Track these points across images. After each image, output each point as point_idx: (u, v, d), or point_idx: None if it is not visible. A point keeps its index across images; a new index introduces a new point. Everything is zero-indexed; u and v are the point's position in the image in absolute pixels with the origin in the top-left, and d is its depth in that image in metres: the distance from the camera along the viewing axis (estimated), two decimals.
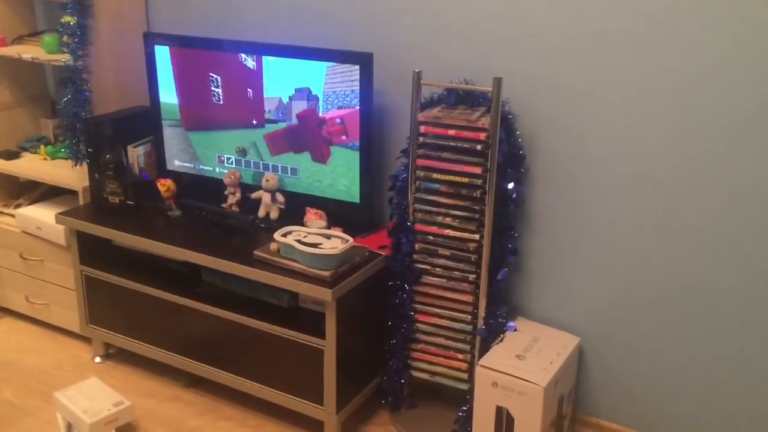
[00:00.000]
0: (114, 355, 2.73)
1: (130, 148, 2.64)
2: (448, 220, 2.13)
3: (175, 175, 2.64)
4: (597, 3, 1.99)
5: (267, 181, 2.44)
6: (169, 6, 2.76)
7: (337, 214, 2.39)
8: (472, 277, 2.14)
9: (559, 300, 2.28)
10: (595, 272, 2.20)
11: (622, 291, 2.17)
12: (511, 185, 2.11)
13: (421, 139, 2.11)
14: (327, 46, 2.41)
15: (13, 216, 2.81)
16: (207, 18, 2.69)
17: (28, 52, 2.71)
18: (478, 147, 2.04)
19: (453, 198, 2.11)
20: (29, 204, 2.84)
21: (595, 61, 2.04)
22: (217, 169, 2.61)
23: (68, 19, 2.51)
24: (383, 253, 2.25)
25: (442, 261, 2.16)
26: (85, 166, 2.60)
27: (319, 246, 2.11)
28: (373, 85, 2.25)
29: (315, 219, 2.34)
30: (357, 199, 2.37)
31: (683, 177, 2.00)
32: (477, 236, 2.10)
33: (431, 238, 2.16)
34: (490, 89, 2.00)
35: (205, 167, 2.63)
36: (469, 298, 2.16)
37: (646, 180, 2.05)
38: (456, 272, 2.16)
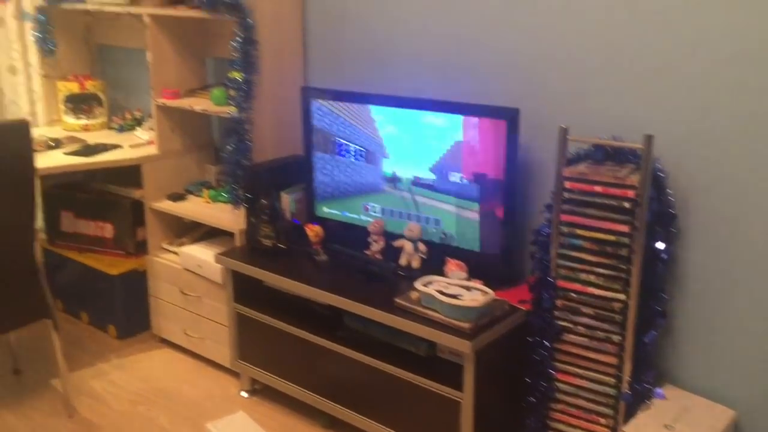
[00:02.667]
0: (260, 390, 2.87)
1: (283, 194, 2.81)
2: (592, 277, 2.08)
3: (323, 221, 2.77)
4: (753, 56, 1.91)
5: (410, 230, 2.50)
6: (325, 62, 2.93)
7: (478, 265, 2.40)
8: (616, 338, 2.07)
9: (711, 368, 2.15)
10: (754, 339, 2.05)
11: None
12: (660, 245, 2.04)
13: (566, 194, 2.09)
14: (472, 101, 2.46)
15: (177, 254, 3.06)
16: (359, 73, 2.83)
17: (198, 104, 2.97)
18: (626, 205, 1.99)
19: (598, 255, 2.06)
20: (191, 243, 3.08)
21: (753, 116, 1.94)
22: (363, 217, 2.71)
23: (236, 74, 2.73)
24: (523, 308, 2.23)
25: (585, 320, 2.11)
26: (242, 210, 2.78)
27: (460, 297, 2.13)
28: (518, 139, 2.27)
29: (455, 270, 2.36)
30: (498, 252, 2.38)
31: None
32: (623, 296, 2.04)
33: (574, 295, 2.12)
34: (641, 146, 1.96)
35: (351, 215, 2.74)
36: (613, 360, 2.09)
37: None
38: (599, 332, 2.10)
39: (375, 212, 2.67)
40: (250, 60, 2.71)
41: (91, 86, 3.51)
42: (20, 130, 2.45)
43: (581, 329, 2.12)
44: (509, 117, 2.26)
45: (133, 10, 3.09)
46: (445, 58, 2.58)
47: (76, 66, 3.69)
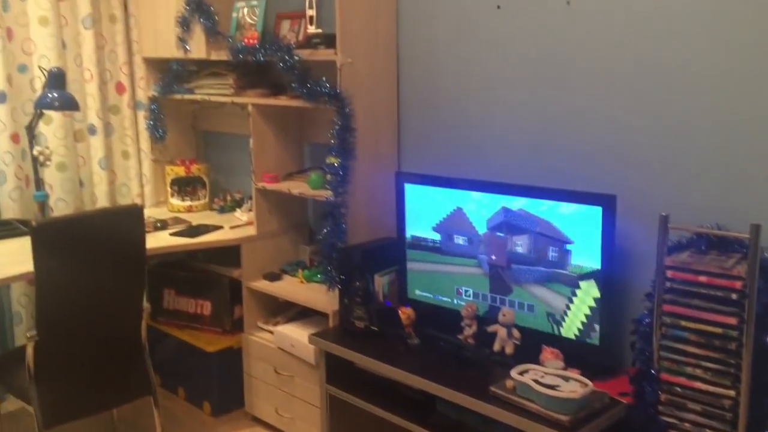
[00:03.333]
0: None
1: (376, 276, 2.85)
2: (698, 371, 2.00)
3: (416, 304, 2.79)
4: None
5: (503, 315, 2.48)
6: (418, 147, 3.02)
7: (575, 354, 2.34)
8: None
9: None
10: None
11: None
12: None
13: (668, 284, 2.04)
14: (567, 186, 2.46)
15: (271, 332, 3.13)
16: (452, 156, 2.89)
17: (296, 188, 3.10)
18: (734, 296, 1.92)
19: (704, 348, 1.98)
20: (285, 322, 3.15)
21: None
22: (455, 301, 2.71)
23: (333, 160, 2.84)
24: (625, 401, 2.15)
25: (691, 416, 2.01)
26: (336, 291, 2.84)
27: (557, 388, 2.08)
28: (616, 226, 2.25)
29: (552, 358, 2.31)
30: (596, 341, 2.32)
31: None
32: (732, 392, 1.94)
33: (679, 389, 2.03)
34: (747, 236, 1.90)
35: (443, 298, 2.75)
36: None
37: None
38: (708, 430, 1.99)
39: (468, 296, 2.67)
40: (347, 146, 2.81)
41: (195, 170, 3.72)
42: (134, 214, 2.62)
43: (687, 426, 2.02)
44: (606, 203, 2.24)
45: (238, 99, 3.28)
46: (539, 140, 2.60)
47: (182, 151, 3.93)
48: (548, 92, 2.56)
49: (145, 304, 2.78)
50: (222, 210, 3.70)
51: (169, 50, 3.50)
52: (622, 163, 2.38)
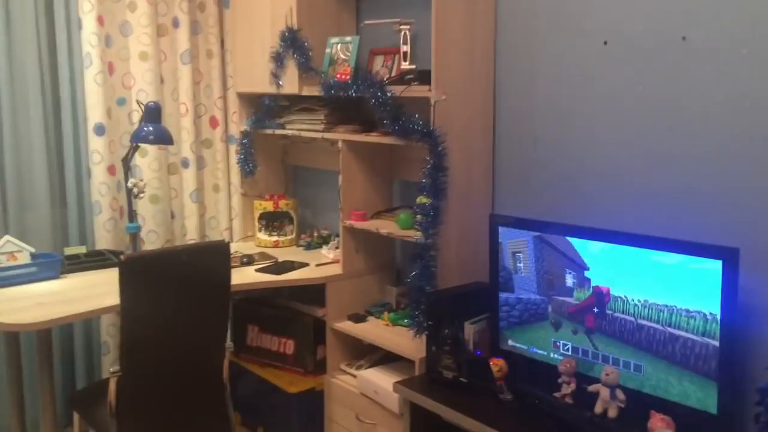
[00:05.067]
0: None
1: (466, 323, 2.69)
2: None
3: (508, 355, 2.61)
4: None
5: (607, 375, 2.27)
6: (514, 188, 2.86)
7: (688, 423, 2.11)
8: None
9: None
10: None
11: None
12: None
13: None
14: (680, 235, 2.25)
15: (354, 376, 3.01)
16: (550, 199, 2.73)
17: (384, 227, 2.99)
18: None
19: None
20: (369, 366, 3.03)
21: None
22: (552, 355, 2.52)
23: (423, 200, 2.72)
24: None
25: None
26: (423, 337, 2.70)
27: None
28: (739, 282, 2.02)
29: (662, 427, 2.09)
30: (714, 410, 2.08)
31: None
32: None
33: None
34: None
35: (539, 351, 2.56)
36: None
37: None
38: None
39: (566, 350, 2.47)
40: (439, 186, 2.69)
41: (283, 205, 3.69)
42: (221, 250, 2.58)
43: None
44: (727, 257, 2.02)
45: (329, 135, 3.23)
46: (647, 185, 2.41)
47: (271, 185, 3.91)
48: (659, 133, 2.36)
49: (229, 342, 2.72)
50: (308, 247, 3.64)
51: (263, 85, 3.50)
52: (746, 212, 2.15)
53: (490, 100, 2.88)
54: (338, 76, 3.14)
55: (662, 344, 2.19)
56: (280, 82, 3.39)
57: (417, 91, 2.74)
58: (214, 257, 2.56)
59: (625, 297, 2.28)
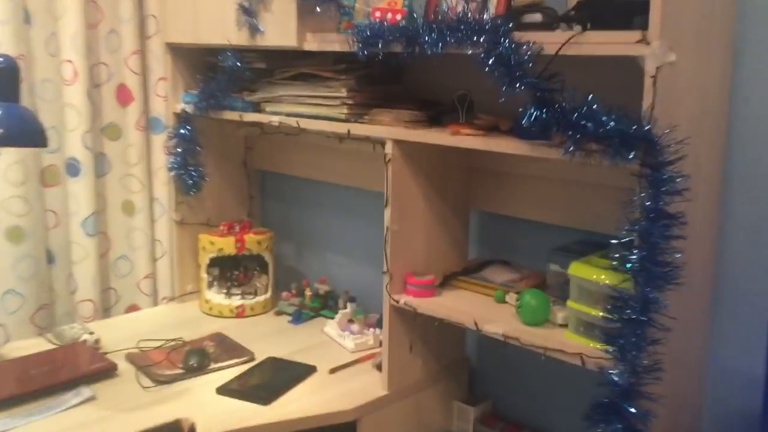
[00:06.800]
0: None
1: None
2: None
3: None
4: None
5: None
6: (760, 251, 1.44)
7: None
8: None
9: None
10: None
11: None
12: None
13: None
14: None
15: None
16: None
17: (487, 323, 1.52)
18: None
19: None
20: None
21: None
22: None
23: (606, 278, 1.27)
24: None
25: None
26: None
27: None
28: None
29: None
30: None
31: None
32: None
33: None
34: None
35: None
36: None
37: None
38: None
39: None
40: (660, 252, 1.22)
41: (252, 243, 2.14)
42: None
43: None
44: None
45: (367, 130, 1.70)
46: None
47: (228, 208, 2.34)
48: None
49: None
50: (298, 317, 2.11)
51: (217, 32, 1.92)
52: None
53: (728, 74, 1.43)
54: (378, 14, 1.61)
55: None
56: (259, 26, 1.81)
57: (607, 41, 1.23)
58: None
59: None
